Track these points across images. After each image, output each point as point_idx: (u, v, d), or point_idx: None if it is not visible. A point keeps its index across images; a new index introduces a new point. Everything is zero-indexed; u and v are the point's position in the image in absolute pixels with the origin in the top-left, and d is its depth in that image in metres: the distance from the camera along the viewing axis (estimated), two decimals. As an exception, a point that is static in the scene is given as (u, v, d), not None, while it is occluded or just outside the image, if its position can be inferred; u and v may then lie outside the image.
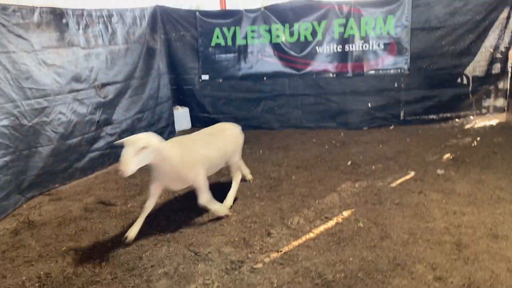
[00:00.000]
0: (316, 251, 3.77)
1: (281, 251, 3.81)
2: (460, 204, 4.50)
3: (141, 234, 4.20)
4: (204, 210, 4.53)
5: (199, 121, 8.52)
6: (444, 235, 3.89)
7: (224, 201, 4.67)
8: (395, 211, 4.41)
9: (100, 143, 6.09)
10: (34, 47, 5.01)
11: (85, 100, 5.75)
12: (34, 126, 5.02)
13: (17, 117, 4.80)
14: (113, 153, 6.31)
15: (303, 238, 4.00)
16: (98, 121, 5.97)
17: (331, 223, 4.25)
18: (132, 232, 4.07)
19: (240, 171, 5.13)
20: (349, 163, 5.94)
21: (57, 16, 5.38)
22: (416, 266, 3.45)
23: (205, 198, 4.30)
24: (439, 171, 5.37)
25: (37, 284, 3.48)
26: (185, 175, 4.08)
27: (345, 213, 4.43)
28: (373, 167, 5.73)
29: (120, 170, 3.41)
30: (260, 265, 3.60)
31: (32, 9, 5.02)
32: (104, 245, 4.05)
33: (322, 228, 4.17)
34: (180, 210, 4.73)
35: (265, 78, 8.06)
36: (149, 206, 4.23)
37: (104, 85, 6.06)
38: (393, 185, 5.07)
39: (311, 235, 4.05)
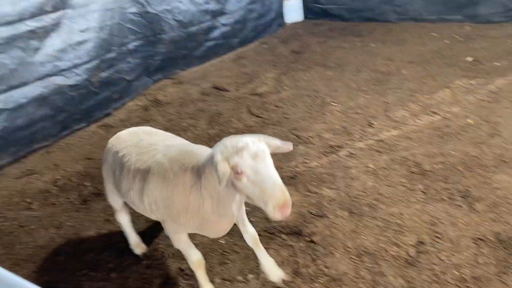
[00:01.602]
0: (416, 143, 3.78)
1: (380, 140, 3.90)
2: None
3: (250, 118, 4.60)
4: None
5: (312, 13, 8.32)
6: None
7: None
8: (512, 110, 4.11)
9: (215, 33, 6.41)
10: None
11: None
12: (158, 14, 5.46)
13: (143, 5, 5.25)
14: (227, 44, 6.65)
15: (405, 130, 4.01)
16: (213, 11, 6.23)
17: (437, 118, 4.14)
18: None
19: None
20: (469, 59, 5.47)
21: None
22: (524, 165, 3.31)
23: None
24: None
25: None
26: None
27: (455, 109, 4.25)
28: (497, 64, 5.21)
29: (287, 203, 1.74)
30: (357, 151, 3.77)
31: None
32: (218, 123, 4.54)
33: (426, 122, 4.11)
34: (286, 100, 4.98)
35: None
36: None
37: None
38: (517, 83, 4.63)
39: (414, 128, 4.03)
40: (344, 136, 4.03)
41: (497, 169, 3.30)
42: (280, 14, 7.87)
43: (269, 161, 1.83)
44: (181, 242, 2.33)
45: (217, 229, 2.21)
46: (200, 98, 5.24)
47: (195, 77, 5.93)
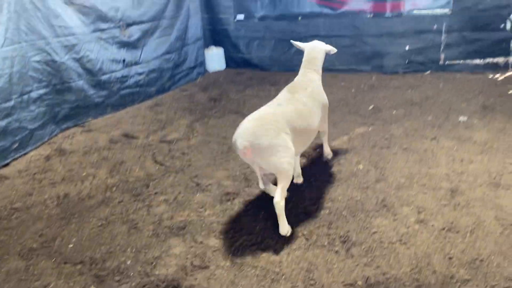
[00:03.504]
0: (308, 189, 3.90)
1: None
2: (471, 152, 4.35)
3: (153, 166, 4.55)
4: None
5: (234, 62, 8.61)
6: (442, 182, 3.84)
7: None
8: (400, 156, 4.37)
9: (130, 82, 6.41)
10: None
11: (109, 40, 6.03)
12: (65, 63, 5.40)
13: (49, 53, 5.18)
14: (143, 92, 6.66)
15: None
16: (124, 60, 6.26)
17: (331, 164, 4.32)
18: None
19: None
20: (370, 107, 5.83)
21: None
22: (402, 209, 3.49)
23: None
24: (461, 118, 5.14)
25: (55, 203, 3.96)
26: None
27: (349, 156, 4.46)
28: (394, 112, 5.59)
29: None
30: (252, 198, 3.81)
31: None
32: (118, 172, 4.45)
33: (321, 169, 4.26)
34: (194, 146, 5.01)
35: (300, 18, 7.88)
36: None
37: (128, 25, 6.26)
38: (407, 130, 4.96)
39: (309, 175, 4.17)
40: (242, 183, 4.08)
41: (377, 213, 3.46)
42: (201, 63, 8.06)
43: None
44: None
45: None
46: (107, 146, 5.13)
47: (106, 125, 5.83)
